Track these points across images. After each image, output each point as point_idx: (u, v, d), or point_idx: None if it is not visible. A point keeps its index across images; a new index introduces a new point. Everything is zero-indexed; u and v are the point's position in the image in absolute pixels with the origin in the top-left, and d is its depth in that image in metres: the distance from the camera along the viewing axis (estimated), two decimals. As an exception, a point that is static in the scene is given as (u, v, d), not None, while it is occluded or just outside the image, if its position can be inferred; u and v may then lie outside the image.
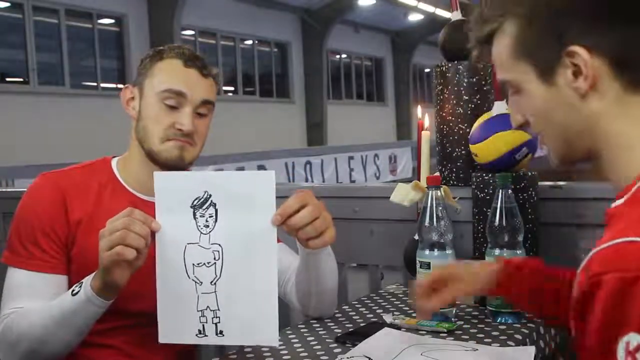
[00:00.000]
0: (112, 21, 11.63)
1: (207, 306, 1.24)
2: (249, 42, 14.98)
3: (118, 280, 1.24)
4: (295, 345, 1.36)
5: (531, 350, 1.27)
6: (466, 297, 1.47)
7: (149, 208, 1.37)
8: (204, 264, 1.23)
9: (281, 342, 1.37)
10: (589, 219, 1.65)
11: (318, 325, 1.49)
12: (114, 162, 1.57)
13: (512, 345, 1.32)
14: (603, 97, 0.95)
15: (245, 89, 14.79)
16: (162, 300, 1.25)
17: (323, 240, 1.30)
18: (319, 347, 1.35)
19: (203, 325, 1.24)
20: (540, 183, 1.67)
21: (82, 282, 1.31)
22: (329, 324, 1.50)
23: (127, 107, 1.53)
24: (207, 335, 1.25)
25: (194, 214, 1.23)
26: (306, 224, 1.26)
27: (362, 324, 1.49)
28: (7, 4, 10.17)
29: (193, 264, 1.23)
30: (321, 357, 1.29)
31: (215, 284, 1.23)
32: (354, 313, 1.58)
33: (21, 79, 10.26)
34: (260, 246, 1.22)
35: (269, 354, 1.31)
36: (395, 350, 1.26)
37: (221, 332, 1.24)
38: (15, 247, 1.45)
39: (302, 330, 1.46)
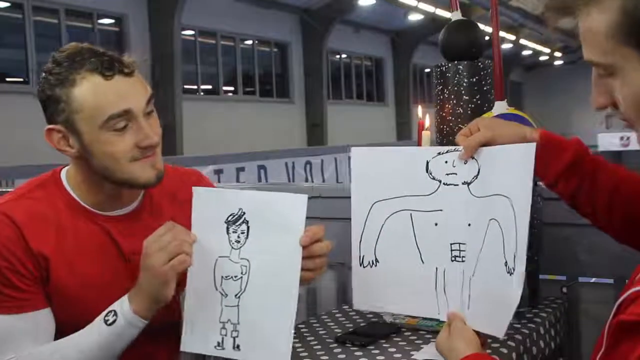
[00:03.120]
0: (112, 21, 11.63)
1: (229, 319, 1.26)
2: (249, 42, 14.97)
3: (169, 294, 1.25)
4: (295, 345, 1.35)
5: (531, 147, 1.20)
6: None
7: (114, 224, 1.38)
8: (232, 277, 1.26)
9: (281, 342, 1.37)
10: (589, 219, 1.65)
11: (318, 325, 1.49)
12: (63, 177, 1.41)
13: (512, 346, 1.32)
14: None
15: (245, 89, 14.78)
16: (189, 310, 1.28)
17: (318, 275, 1.31)
18: (319, 347, 1.35)
19: (222, 338, 1.27)
20: (540, 183, 1.67)
21: (112, 311, 1.28)
22: (329, 324, 1.50)
23: (63, 150, 1.34)
24: (224, 349, 1.27)
25: (227, 229, 1.26)
26: (321, 255, 1.27)
27: (362, 324, 1.49)
28: (7, 4, 10.17)
29: (222, 277, 1.26)
30: (321, 357, 1.29)
31: (239, 297, 1.26)
32: (354, 313, 1.58)
33: (21, 79, 10.26)
34: (285, 266, 1.24)
35: (269, 354, 1.31)
36: None
37: (238, 346, 1.26)
38: None
39: (302, 330, 1.46)
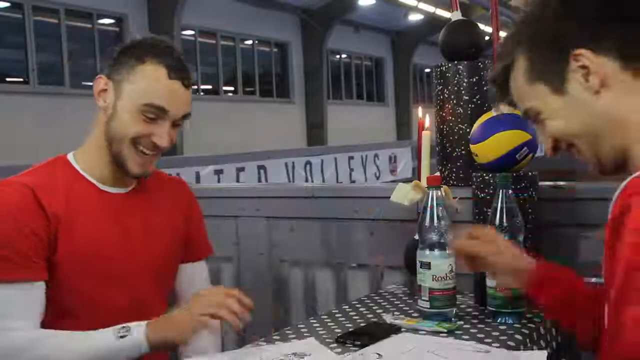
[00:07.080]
0: (112, 21, 11.63)
1: None
2: (249, 42, 14.97)
3: (181, 341, 1.37)
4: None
5: (543, 355, 1.26)
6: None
7: (114, 200, 1.48)
8: None
9: (281, 342, 1.37)
10: (590, 219, 1.65)
11: (318, 325, 1.49)
12: (71, 158, 1.51)
13: (512, 346, 1.32)
14: (612, 89, 1.00)
15: (245, 89, 14.78)
16: None
17: None
18: (319, 347, 1.34)
19: None
20: (540, 183, 1.67)
21: (127, 327, 1.35)
22: (329, 324, 1.50)
23: (98, 98, 1.47)
24: None
25: None
26: None
27: (362, 324, 1.49)
28: (7, 4, 10.16)
29: None
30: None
31: None
32: (354, 313, 1.58)
33: (21, 79, 10.25)
34: None
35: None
36: (406, 347, 1.27)
37: None
38: None
39: (302, 330, 1.46)
